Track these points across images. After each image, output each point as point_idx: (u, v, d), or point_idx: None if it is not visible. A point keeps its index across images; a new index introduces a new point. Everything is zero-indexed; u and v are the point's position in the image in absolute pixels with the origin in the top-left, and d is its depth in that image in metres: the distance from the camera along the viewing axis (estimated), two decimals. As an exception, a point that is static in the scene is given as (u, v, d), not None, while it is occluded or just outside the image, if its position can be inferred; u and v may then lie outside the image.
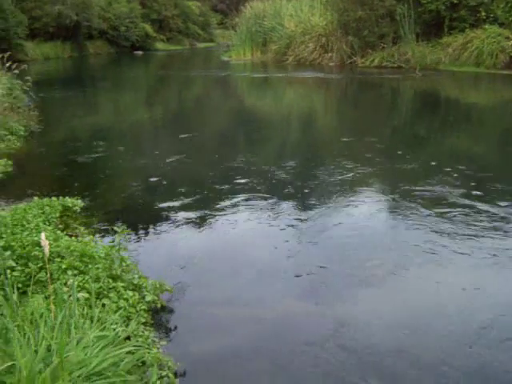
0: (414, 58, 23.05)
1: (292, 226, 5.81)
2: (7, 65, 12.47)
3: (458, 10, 22.71)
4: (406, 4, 23.23)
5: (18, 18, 34.28)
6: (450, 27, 23.09)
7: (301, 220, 5.98)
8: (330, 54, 25.99)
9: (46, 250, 3.20)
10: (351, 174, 7.70)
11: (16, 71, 12.60)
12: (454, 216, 5.95)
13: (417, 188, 6.99)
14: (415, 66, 22.45)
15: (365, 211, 6.22)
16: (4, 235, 4.67)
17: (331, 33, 25.99)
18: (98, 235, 5.43)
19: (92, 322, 3.29)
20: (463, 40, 22.24)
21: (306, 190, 7.04)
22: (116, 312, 3.62)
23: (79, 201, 6.22)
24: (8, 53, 12.85)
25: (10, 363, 2.70)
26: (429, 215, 6.00)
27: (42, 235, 3.25)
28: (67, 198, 6.14)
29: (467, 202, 6.41)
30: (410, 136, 10.92)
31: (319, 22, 26.93)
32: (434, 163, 8.28)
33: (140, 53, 45.63)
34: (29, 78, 12.36)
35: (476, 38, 21.80)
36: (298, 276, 4.67)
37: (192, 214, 6.21)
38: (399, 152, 9.03)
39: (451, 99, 16.48)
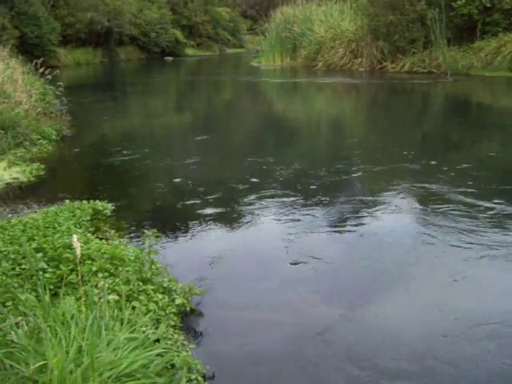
0: (446, 63, 22.80)
1: (326, 231, 5.78)
2: (40, 71, 12.68)
3: (491, 13, 22.39)
4: (438, 8, 22.99)
5: (52, 25, 34.86)
6: (483, 31, 22.76)
7: (334, 224, 5.95)
8: (359, 60, 25.86)
9: (78, 251, 3.23)
10: (383, 183, 7.64)
11: (49, 77, 12.82)
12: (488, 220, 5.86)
13: (449, 203, 6.89)
14: (446, 71, 22.22)
15: (399, 221, 6.15)
16: (36, 237, 4.74)
17: (361, 38, 25.86)
18: (127, 238, 5.48)
19: (122, 324, 3.31)
20: (496, 44, 21.90)
21: (339, 196, 7.00)
22: (146, 314, 3.64)
23: (109, 204, 6.28)
24: (41, 59, 13.06)
25: (41, 363, 2.74)
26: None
27: (74, 237, 3.29)
28: (97, 201, 6.21)
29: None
30: (443, 144, 10.73)
31: (349, 27, 26.83)
32: (473, 173, 8.09)
33: (170, 58, 45.98)
34: (61, 83, 12.55)
35: (510, 42, 21.44)
36: (327, 280, 4.65)
37: (221, 217, 6.22)
38: (432, 162, 8.86)
39: (484, 105, 16.25)
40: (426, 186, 7.23)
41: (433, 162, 8.66)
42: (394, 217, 6.18)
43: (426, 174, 7.89)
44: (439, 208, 6.34)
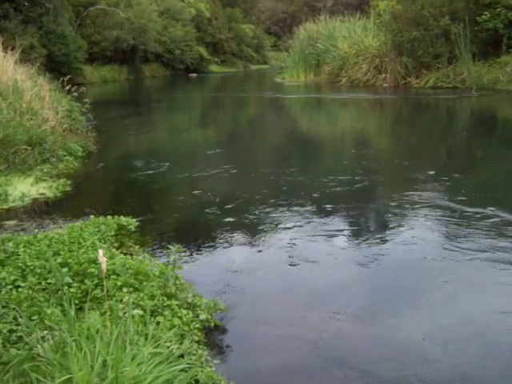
0: (471, 78, 22.65)
1: (351, 246, 5.75)
2: (67, 88, 12.87)
3: (516, 27, 22.29)
4: (462, 23, 22.91)
5: (78, 43, 35.44)
6: (509, 46, 22.60)
7: (360, 240, 5.91)
8: (383, 75, 25.82)
9: (104, 266, 3.25)
10: (408, 200, 7.58)
11: (75, 94, 13.00)
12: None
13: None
14: (471, 85, 22.06)
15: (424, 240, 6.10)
16: (62, 252, 4.79)
17: (385, 54, 25.84)
18: (152, 253, 5.50)
19: (146, 338, 3.32)
20: (523, 59, 21.76)
21: (364, 212, 6.96)
22: (170, 330, 3.64)
23: (133, 219, 6.31)
24: (68, 76, 13.25)
25: (67, 376, 2.75)
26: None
27: (100, 252, 3.31)
28: (122, 216, 6.25)
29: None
30: (468, 160, 10.60)
31: (373, 43, 26.83)
32: (499, 192, 7.99)
33: (194, 75, 46.39)
34: (87, 100, 12.69)
35: (536, 56, 21.30)
36: (351, 295, 4.61)
37: (245, 231, 6.22)
38: (457, 178, 8.79)
39: (511, 120, 16.09)
40: (451, 204, 7.16)
41: (458, 179, 8.59)
42: (422, 233, 6.11)
43: (451, 192, 7.81)
44: (462, 226, 6.27)
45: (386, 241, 5.87)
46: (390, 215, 6.79)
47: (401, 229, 6.26)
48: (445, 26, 23.41)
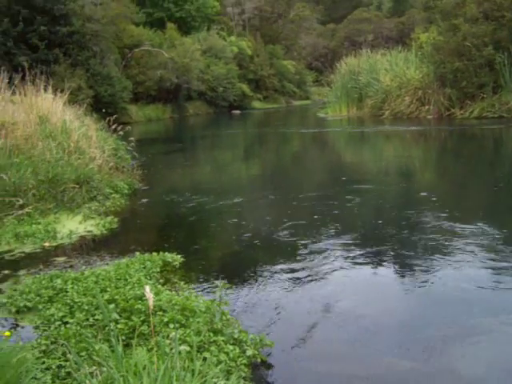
0: (517, 107, 22.31)
1: (399, 281, 5.66)
2: (113, 127, 13.17)
3: None
4: (506, 52, 22.68)
5: (124, 83, 36.43)
6: (555, 74, 22.26)
7: (408, 275, 5.81)
8: (427, 107, 25.62)
9: (151, 302, 3.26)
10: (456, 236, 7.43)
11: (120, 133, 13.28)
12: None
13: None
14: (518, 115, 21.73)
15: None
16: (108, 289, 4.84)
17: (428, 85, 25.68)
18: (197, 289, 5.50)
19: (193, 375, 3.29)
20: None
21: (412, 247, 6.85)
22: (217, 365, 3.62)
23: (178, 256, 6.34)
24: (114, 116, 13.57)
25: (114, 414, 2.75)
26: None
27: (147, 288, 3.33)
28: (167, 253, 6.29)
29: None
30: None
31: (415, 75, 26.71)
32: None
33: (237, 112, 46.93)
34: (132, 138, 12.95)
35: None
36: (402, 332, 4.51)
37: (291, 265, 6.17)
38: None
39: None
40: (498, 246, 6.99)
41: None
42: (472, 270, 5.97)
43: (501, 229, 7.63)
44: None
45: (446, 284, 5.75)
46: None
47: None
48: (488, 56, 23.17)
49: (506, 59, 22.67)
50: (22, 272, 6.17)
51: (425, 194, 10.14)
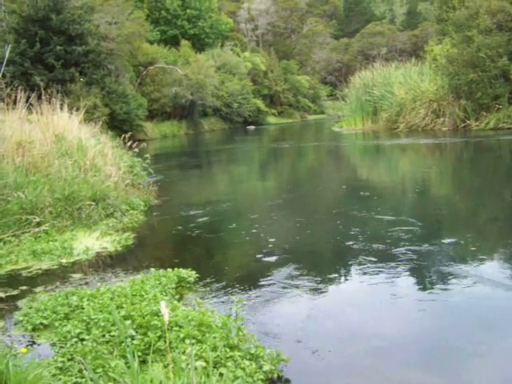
0: (533, 118, 22.18)
1: (414, 297, 5.60)
2: (128, 144, 13.26)
3: None
4: (521, 62, 22.64)
5: (139, 101, 36.76)
6: None
7: (423, 292, 5.76)
8: (442, 119, 25.55)
9: (166, 318, 3.26)
10: (474, 252, 7.36)
11: (136, 150, 13.36)
12: None
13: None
14: (535, 125, 21.59)
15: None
16: (124, 305, 4.84)
17: (442, 97, 25.62)
18: (213, 304, 5.48)
19: (210, 390, 3.28)
20: None
21: (429, 265, 6.79)
22: (233, 381, 3.60)
23: (193, 272, 6.33)
24: (129, 133, 13.67)
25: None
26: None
27: (163, 304, 3.33)
28: (181, 269, 6.29)
29: None
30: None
31: (429, 88, 26.65)
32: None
33: (252, 127, 47.11)
34: (147, 155, 13.02)
35: None
36: (418, 348, 4.46)
37: (307, 280, 6.14)
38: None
39: None
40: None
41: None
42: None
43: None
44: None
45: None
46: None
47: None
48: (503, 67, 23.10)
49: (521, 69, 22.61)
50: (38, 289, 6.19)
51: (442, 204, 10.07)
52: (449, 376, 4.00)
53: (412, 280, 6.04)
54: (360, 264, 6.67)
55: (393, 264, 6.53)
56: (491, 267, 6.24)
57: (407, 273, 6.23)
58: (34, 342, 4.69)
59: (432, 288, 5.71)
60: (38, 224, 8.34)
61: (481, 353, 4.28)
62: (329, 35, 77.31)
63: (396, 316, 5.13)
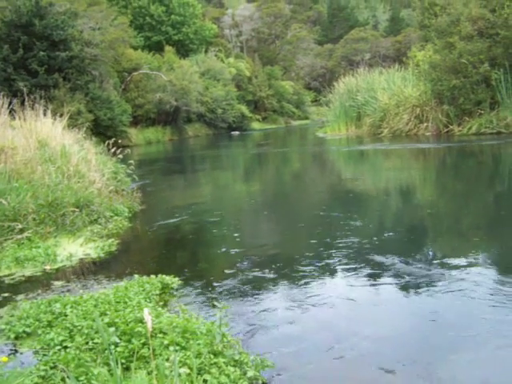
0: (514, 123, 22.41)
1: (400, 302, 5.63)
2: (112, 150, 13.20)
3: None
4: (502, 69, 22.85)
5: (123, 107, 36.64)
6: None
7: (407, 296, 5.79)
8: (425, 124, 25.75)
9: (149, 325, 3.25)
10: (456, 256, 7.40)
11: (120, 156, 13.31)
12: None
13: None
14: (516, 130, 21.82)
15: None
16: (108, 312, 4.82)
17: (425, 103, 25.83)
18: (197, 311, 5.46)
19: (193, 397, 3.27)
20: None
21: (413, 270, 6.83)
22: (217, 388, 3.59)
23: (176, 278, 6.33)
24: (113, 139, 13.62)
25: None
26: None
27: (146, 311, 3.32)
28: (165, 276, 6.27)
29: None
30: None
31: (412, 93, 26.87)
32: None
33: (237, 133, 47.16)
34: (131, 161, 12.98)
35: None
36: (404, 355, 4.48)
37: (291, 287, 6.15)
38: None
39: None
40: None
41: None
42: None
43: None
44: None
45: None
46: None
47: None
48: (485, 73, 23.34)
49: (502, 76, 22.85)
50: (20, 296, 6.15)
51: (425, 209, 10.15)
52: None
53: (389, 285, 6.07)
54: (341, 270, 6.70)
55: (371, 270, 6.56)
56: (470, 273, 6.29)
57: (383, 278, 6.26)
58: (16, 351, 4.65)
59: (409, 293, 5.74)
60: (21, 231, 8.27)
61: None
62: (313, 41, 77.63)
63: (385, 321, 5.15)
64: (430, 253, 7.29)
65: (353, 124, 30.81)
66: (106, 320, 4.55)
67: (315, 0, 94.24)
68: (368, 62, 53.85)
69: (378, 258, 6.97)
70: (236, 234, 9.07)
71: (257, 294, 6.02)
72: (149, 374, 3.64)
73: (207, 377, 3.74)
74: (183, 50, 55.97)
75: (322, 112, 45.05)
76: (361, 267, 6.67)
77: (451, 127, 24.74)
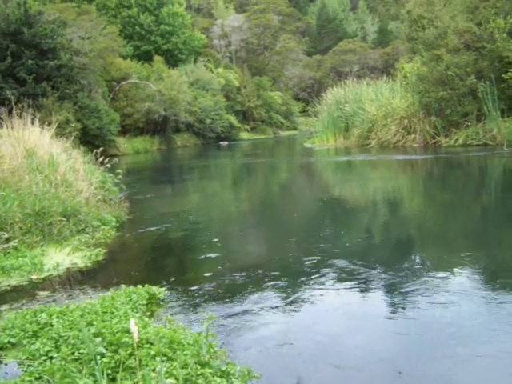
0: (501, 134, 22.59)
1: (384, 315, 5.65)
2: (100, 160, 13.17)
3: (544, 83, 22.32)
4: (488, 81, 23.08)
5: (112, 116, 36.61)
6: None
7: (395, 309, 5.81)
8: (413, 136, 25.90)
9: (135, 335, 3.24)
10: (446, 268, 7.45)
11: (108, 165, 13.28)
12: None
13: None
14: (502, 142, 21.98)
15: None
16: (95, 322, 4.79)
17: (413, 114, 26.00)
18: (185, 321, 5.45)
19: (179, 408, 3.26)
20: (553, 113, 21.68)
21: (404, 282, 6.86)
22: (203, 399, 3.58)
23: (163, 288, 6.32)
24: (101, 148, 13.59)
25: None
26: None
27: (132, 322, 3.31)
28: (151, 286, 6.25)
29: None
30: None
31: (400, 105, 27.05)
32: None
33: (225, 143, 47.20)
34: (119, 171, 12.95)
35: None
36: (392, 366, 4.49)
37: (278, 299, 6.15)
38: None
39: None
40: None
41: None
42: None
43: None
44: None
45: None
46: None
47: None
48: (471, 85, 23.55)
49: (488, 88, 23.07)
50: (5, 306, 6.10)
51: (412, 221, 10.19)
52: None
53: (376, 299, 6.09)
54: (334, 281, 6.71)
55: (357, 282, 6.59)
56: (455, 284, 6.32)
57: (371, 292, 6.28)
58: (0, 362, 4.61)
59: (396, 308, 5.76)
60: (7, 240, 8.22)
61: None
62: (301, 52, 78.01)
63: (370, 331, 5.17)
64: (415, 262, 7.33)
65: (341, 135, 30.94)
66: (93, 330, 4.52)
67: (304, 11, 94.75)
68: (356, 74, 54.11)
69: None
70: (223, 245, 9.07)
71: (244, 304, 6.01)
72: (135, 384, 3.63)
73: (194, 388, 3.74)
74: (172, 60, 56.08)
75: (311, 122, 45.19)
76: (343, 276, 6.69)
77: (438, 139, 24.91)
